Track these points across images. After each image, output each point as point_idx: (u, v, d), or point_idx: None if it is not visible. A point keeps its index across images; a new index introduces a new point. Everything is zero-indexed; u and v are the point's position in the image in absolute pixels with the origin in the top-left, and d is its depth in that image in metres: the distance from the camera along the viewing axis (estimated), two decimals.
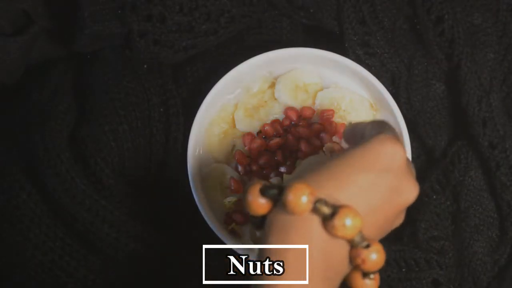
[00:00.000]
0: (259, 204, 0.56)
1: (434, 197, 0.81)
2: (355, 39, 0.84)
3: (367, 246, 0.54)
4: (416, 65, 0.85)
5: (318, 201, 0.53)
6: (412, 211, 0.81)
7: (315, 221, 0.54)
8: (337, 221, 0.53)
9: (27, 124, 0.80)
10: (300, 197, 0.53)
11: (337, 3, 0.85)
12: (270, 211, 0.56)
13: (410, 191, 0.58)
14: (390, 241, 0.81)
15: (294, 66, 0.83)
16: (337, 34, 0.86)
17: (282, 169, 0.80)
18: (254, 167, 0.81)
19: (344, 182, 0.55)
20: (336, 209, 0.53)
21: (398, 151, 0.57)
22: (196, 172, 0.80)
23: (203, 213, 0.78)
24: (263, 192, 0.56)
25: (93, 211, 0.75)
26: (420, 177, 0.84)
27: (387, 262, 0.79)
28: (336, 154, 0.59)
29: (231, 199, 0.80)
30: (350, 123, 0.68)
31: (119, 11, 0.80)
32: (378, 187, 0.56)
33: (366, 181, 0.55)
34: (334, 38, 0.86)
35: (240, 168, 0.81)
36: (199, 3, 0.81)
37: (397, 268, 0.79)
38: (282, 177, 0.80)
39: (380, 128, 0.60)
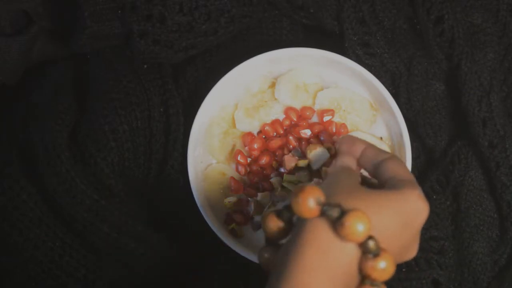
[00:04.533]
0: (278, 226, 0.58)
1: (434, 197, 0.81)
2: (355, 39, 0.84)
3: (377, 256, 0.54)
4: (416, 65, 0.85)
5: (326, 204, 0.54)
6: None
7: (325, 225, 0.54)
8: (345, 221, 0.53)
9: (27, 124, 0.80)
10: (307, 198, 0.54)
11: (337, 3, 0.85)
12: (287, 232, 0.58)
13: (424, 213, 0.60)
14: None
15: (294, 66, 0.83)
16: (337, 34, 0.86)
17: (282, 169, 0.80)
18: (254, 167, 0.81)
19: (369, 202, 0.57)
20: (344, 212, 0.54)
21: (427, 211, 0.60)
22: (196, 172, 0.80)
23: (203, 213, 0.78)
24: (279, 216, 0.58)
25: (93, 211, 0.75)
26: (420, 177, 0.84)
27: None
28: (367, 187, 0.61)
29: (231, 199, 0.80)
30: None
31: (119, 11, 0.79)
32: (400, 230, 0.58)
33: (392, 220, 0.57)
34: (334, 38, 0.86)
35: (240, 168, 0.81)
36: (199, 3, 0.81)
37: (397, 268, 0.78)
38: (282, 177, 0.79)
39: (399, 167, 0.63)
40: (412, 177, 0.62)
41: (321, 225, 0.54)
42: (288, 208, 0.57)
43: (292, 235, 0.56)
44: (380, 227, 0.56)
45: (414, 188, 0.60)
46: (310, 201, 0.54)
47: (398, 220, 0.57)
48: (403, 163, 0.64)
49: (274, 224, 0.58)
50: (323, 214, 0.54)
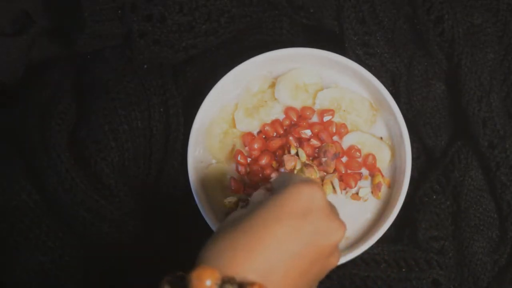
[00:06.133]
0: None
1: (434, 197, 0.81)
2: (355, 39, 0.84)
3: None
4: (416, 65, 0.85)
5: (224, 282, 0.53)
6: (412, 211, 0.81)
7: None
8: None
9: (27, 124, 0.80)
10: (204, 282, 0.53)
11: (337, 3, 0.85)
12: None
13: (335, 231, 0.57)
14: (390, 241, 0.81)
15: (294, 66, 0.83)
16: (337, 34, 0.86)
17: (282, 170, 0.80)
18: (254, 167, 0.81)
19: (259, 244, 0.54)
20: (243, 286, 0.52)
21: (316, 192, 0.56)
22: (196, 172, 0.80)
23: (203, 213, 0.78)
24: (172, 286, 0.55)
25: (93, 211, 0.75)
26: (420, 177, 0.84)
27: (387, 262, 0.79)
28: (255, 204, 0.57)
29: (231, 199, 0.80)
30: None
31: (119, 11, 0.80)
32: (299, 233, 0.55)
33: (285, 231, 0.54)
34: (334, 38, 0.86)
35: (240, 168, 0.81)
36: (199, 3, 0.81)
37: (397, 268, 0.79)
38: None
39: (293, 178, 0.59)
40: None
41: None
42: (181, 277, 0.54)
43: None
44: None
45: (298, 181, 0.56)
46: (207, 284, 0.52)
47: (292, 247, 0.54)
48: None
49: None
50: None
